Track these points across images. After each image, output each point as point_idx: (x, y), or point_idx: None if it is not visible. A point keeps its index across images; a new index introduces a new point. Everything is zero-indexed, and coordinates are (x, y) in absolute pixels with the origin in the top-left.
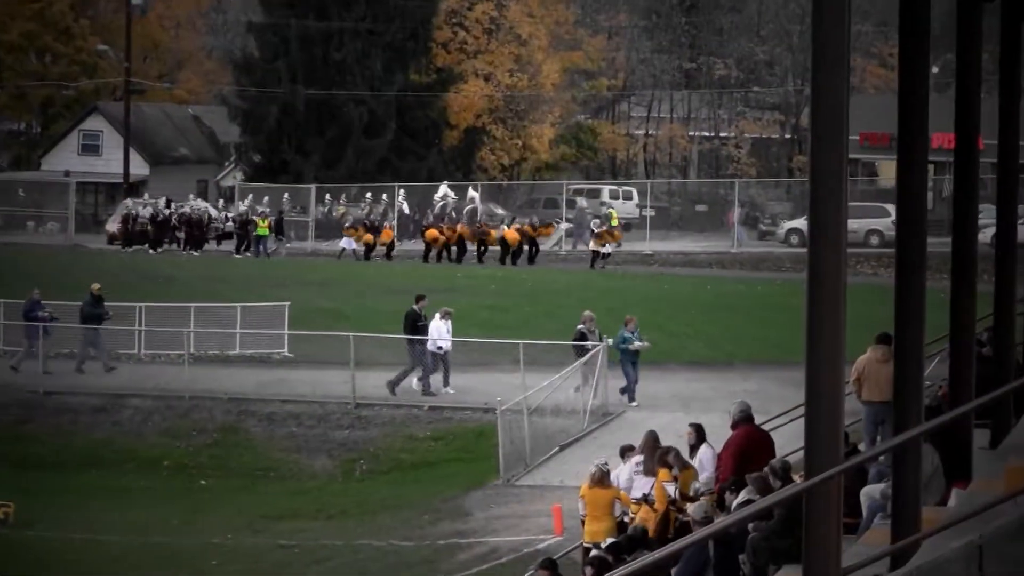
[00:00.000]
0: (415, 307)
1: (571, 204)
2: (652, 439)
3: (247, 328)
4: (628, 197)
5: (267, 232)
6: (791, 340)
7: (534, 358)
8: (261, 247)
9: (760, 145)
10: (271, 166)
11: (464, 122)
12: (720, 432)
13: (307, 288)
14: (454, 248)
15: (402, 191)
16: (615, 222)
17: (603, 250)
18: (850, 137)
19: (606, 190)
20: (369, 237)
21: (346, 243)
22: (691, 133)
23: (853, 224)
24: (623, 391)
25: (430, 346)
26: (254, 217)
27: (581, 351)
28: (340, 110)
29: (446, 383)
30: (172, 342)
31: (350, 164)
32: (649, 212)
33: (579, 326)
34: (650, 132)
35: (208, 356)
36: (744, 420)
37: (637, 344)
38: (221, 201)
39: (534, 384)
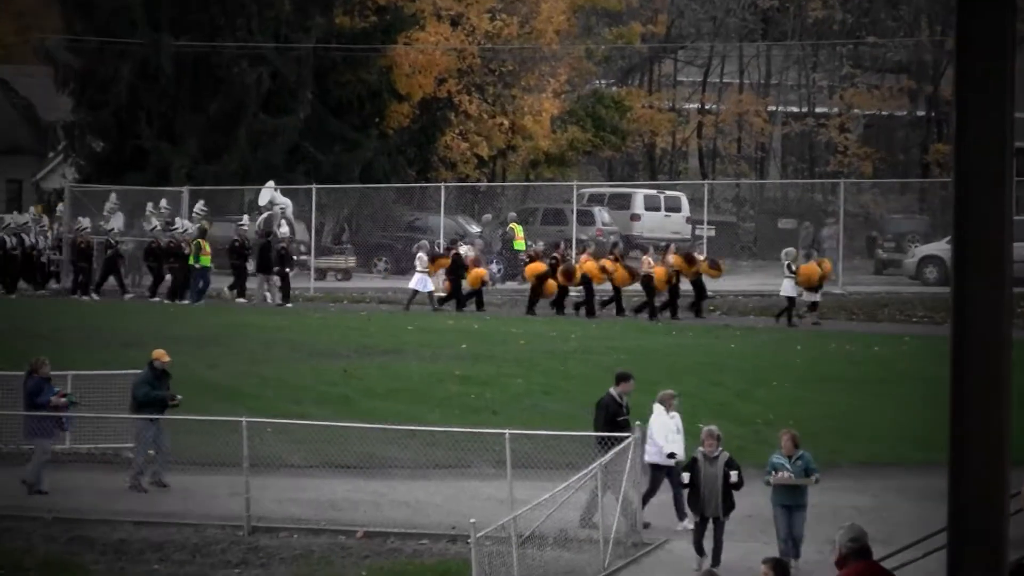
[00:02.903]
0: (614, 392)
1: (585, 217)
2: None
3: (85, 410)
4: (674, 207)
5: (209, 263)
6: (928, 430)
7: (528, 457)
8: (200, 286)
9: (879, 127)
10: (120, 158)
11: (420, 91)
12: (816, 571)
13: (176, 347)
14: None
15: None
16: (520, 244)
17: (810, 297)
18: (1017, 115)
19: (639, 196)
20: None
21: (419, 283)
22: (772, 108)
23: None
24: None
25: (651, 456)
26: (196, 237)
27: (692, 494)
28: (228, 72)
29: (681, 515)
30: None
31: (243, 156)
32: (707, 230)
33: (699, 449)
34: (709, 107)
35: (22, 452)
36: (856, 553)
37: (785, 475)
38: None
39: (527, 497)
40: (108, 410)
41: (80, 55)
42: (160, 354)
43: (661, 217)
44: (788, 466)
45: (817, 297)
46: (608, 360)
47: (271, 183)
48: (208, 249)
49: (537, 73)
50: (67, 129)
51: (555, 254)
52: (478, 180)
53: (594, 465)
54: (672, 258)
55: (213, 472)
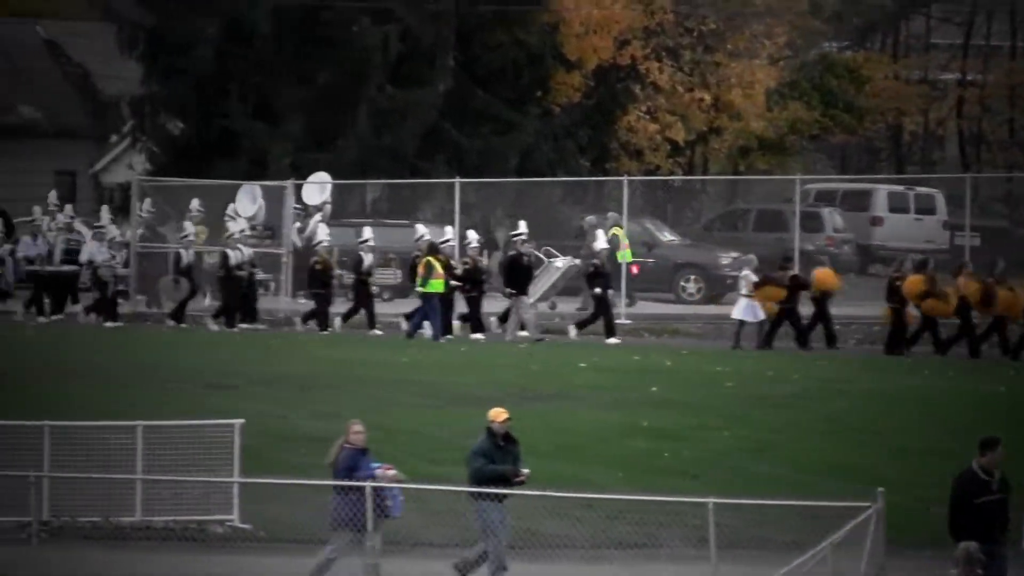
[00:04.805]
0: (976, 465)
1: (811, 221)
2: None
3: (159, 471)
4: (927, 208)
5: (442, 286)
6: None
7: (738, 533)
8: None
9: None
10: (204, 144)
11: (595, 56)
12: None
13: (273, 389)
14: None
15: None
16: (626, 255)
17: None
18: None
19: (881, 193)
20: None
21: (747, 311)
22: None
23: None
24: None
25: None
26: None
27: None
28: (343, 32)
29: None
30: (9, 499)
31: (364, 139)
32: (969, 238)
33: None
34: (972, 77)
35: (78, 527)
36: None
37: None
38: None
39: None
40: (199, 471)
41: (152, 9)
42: (496, 414)
43: (910, 220)
44: None
45: None
46: (836, 407)
47: (324, 175)
48: (441, 270)
49: (748, 33)
50: (135, 105)
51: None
52: (671, 172)
53: (823, 544)
54: None
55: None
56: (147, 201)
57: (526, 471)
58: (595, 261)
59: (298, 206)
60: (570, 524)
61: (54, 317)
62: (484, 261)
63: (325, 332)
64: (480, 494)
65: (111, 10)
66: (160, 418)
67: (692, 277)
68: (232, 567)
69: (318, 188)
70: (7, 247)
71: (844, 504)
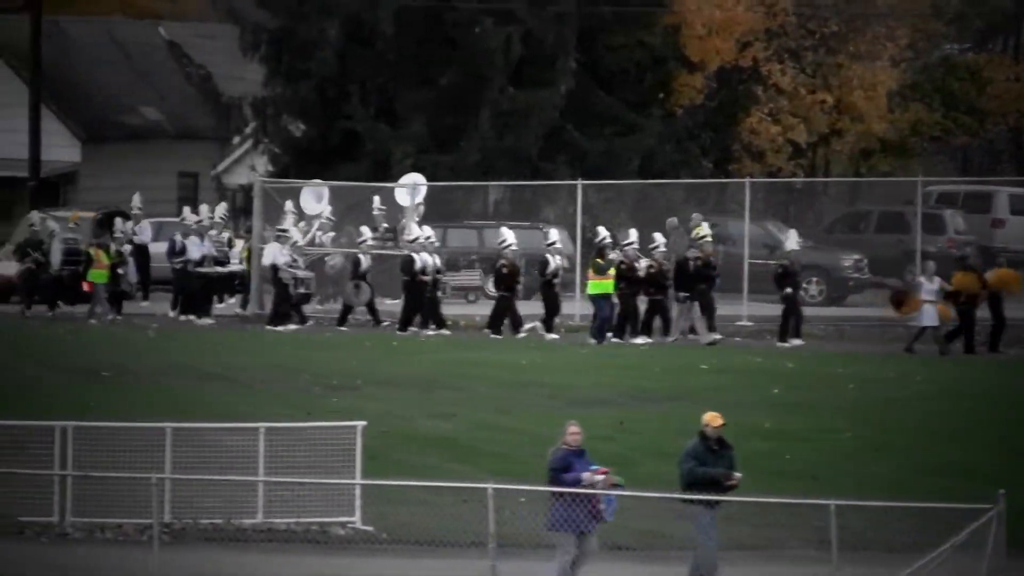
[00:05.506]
0: None
1: (932, 223)
2: None
3: (281, 472)
4: None
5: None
6: None
7: (860, 535)
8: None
9: None
10: (326, 145)
11: (717, 58)
12: None
13: (395, 390)
14: None
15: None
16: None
17: None
18: None
19: (1003, 195)
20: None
21: (929, 317)
22: None
23: None
24: None
25: None
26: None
27: None
28: (465, 34)
29: None
30: (131, 500)
31: (486, 141)
32: None
33: None
34: None
35: (200, 530)
36: None
37: None
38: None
39: None
40: (319, 473)
41: (274, 10)
42: (711, 418)
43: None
44: None
45: None
46: (960, 407)
47: (417, 176)
48: (612, 271)
49: (870, 35)
50: (257, 107)
51: None
52: (793, 174)
53: (945, 546)
54: None
55: (444, 554)
56: (222, 206)
57: (738, 475)
58: (784, 262)
59: (383, 207)
60: (691, 525)
61: (206, 320)
62: (668, 264)
63: (519, 336)
64: (692, 500)
65: (233, 12)
66: (283, 419)
67: (814, 279)
68: (354, 569)
69: (410, 190)
70: (128, 248)
71: (965, 506)
